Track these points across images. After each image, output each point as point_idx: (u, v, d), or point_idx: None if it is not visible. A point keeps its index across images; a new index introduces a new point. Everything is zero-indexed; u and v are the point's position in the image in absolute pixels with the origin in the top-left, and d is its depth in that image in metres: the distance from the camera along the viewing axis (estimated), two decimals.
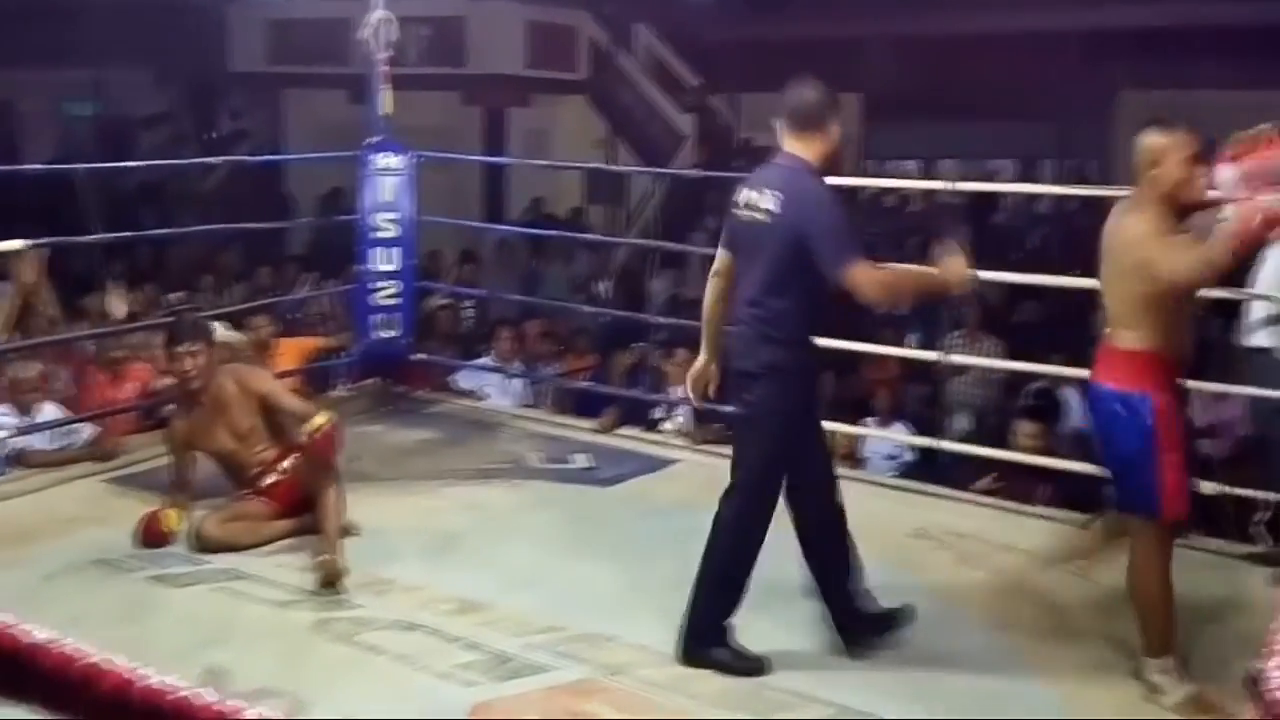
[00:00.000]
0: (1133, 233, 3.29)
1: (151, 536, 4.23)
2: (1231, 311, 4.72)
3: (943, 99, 14.63)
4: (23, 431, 5.07)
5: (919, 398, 6.81)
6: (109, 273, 7.36)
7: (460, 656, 3.46)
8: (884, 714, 3.21)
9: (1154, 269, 3.22)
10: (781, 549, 4.39)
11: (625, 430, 5.85)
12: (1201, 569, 4.14)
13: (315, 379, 6.48)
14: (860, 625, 3.60)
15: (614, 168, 13.05)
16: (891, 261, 3.87)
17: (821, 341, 5.74)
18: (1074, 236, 11.65)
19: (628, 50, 14.97)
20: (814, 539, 3.61)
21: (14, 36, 12.22)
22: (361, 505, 4.44)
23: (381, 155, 6.05)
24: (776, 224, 3.38)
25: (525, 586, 3.98)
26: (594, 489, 5.09)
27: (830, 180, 3.56)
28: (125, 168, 7.56)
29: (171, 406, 4.85)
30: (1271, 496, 4.40)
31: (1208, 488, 4.47)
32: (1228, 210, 3.29)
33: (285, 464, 4.43)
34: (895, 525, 4.58)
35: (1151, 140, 3.32)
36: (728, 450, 5.54)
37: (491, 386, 6.77)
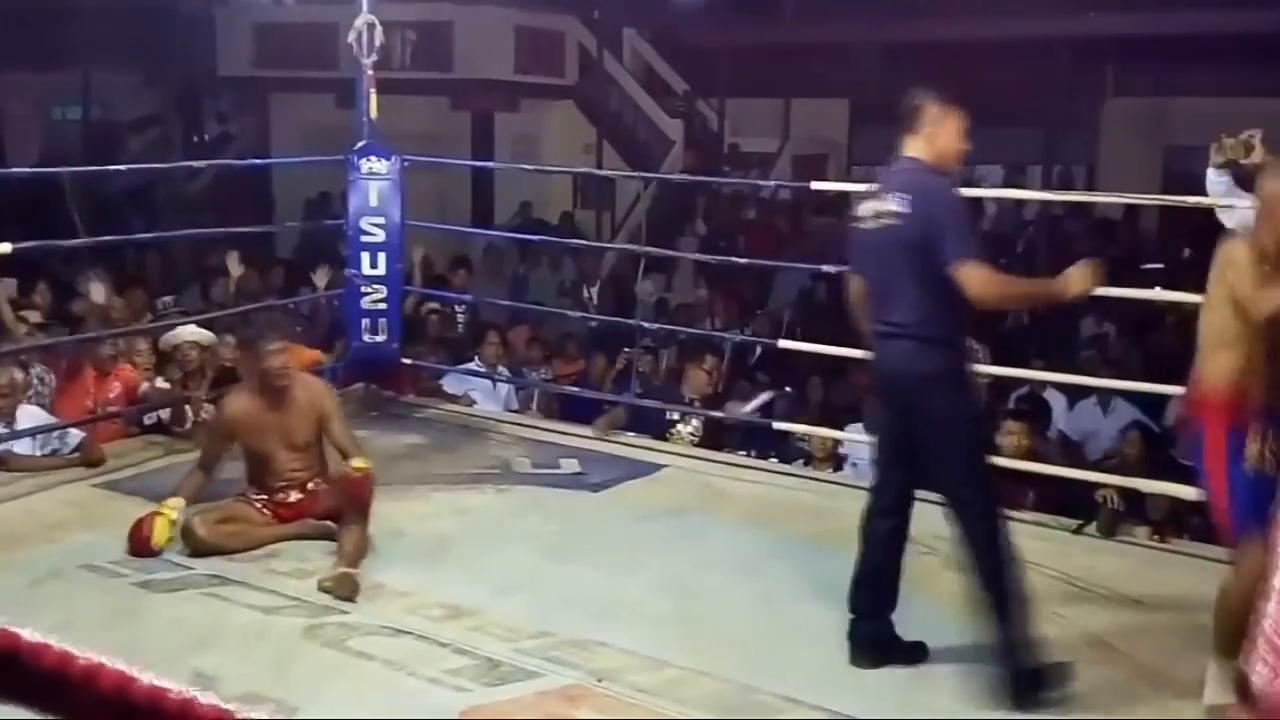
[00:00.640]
0: (1232, 260, 3.22)
1: (138, 545, 4.19)
2: None
3: None
4: (4, 437, 5.04)
5: None
6: (92, 266, 7.34)
7: (450, 662, 3.45)
8: (870, 718, 3.21)
9: (1242, 300, 3.15)
10: (767, 553, 4.41)
11: (618, 435, 5.84)
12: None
13: None
14: (889, 650, 3.55)
15: (603, 172, 13.07)
16: None
17: (809, 346, 5.81)
18: (1060, 241, 11.70)
19: (616, 56, 14.99)
20: (879, 551, 3.54)
21: (2, 39, 12.19)
22: None
23: (368, 160, 6.04)
24: (908, 224, 3.33)
25: (515, 591, 3.98)
26: (583, 494, 5.09)
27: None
28: (112, 171, 7.51)
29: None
30: None
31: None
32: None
33: (310, 486, 4.43)
34: None
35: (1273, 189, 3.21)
36: (732, 457, 5.59)
37: (479, 391, 6.77)
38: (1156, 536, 4.58)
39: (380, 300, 6.12)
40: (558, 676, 3.40)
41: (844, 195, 13.54)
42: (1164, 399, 5.56)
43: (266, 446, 4.39)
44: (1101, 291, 4.63)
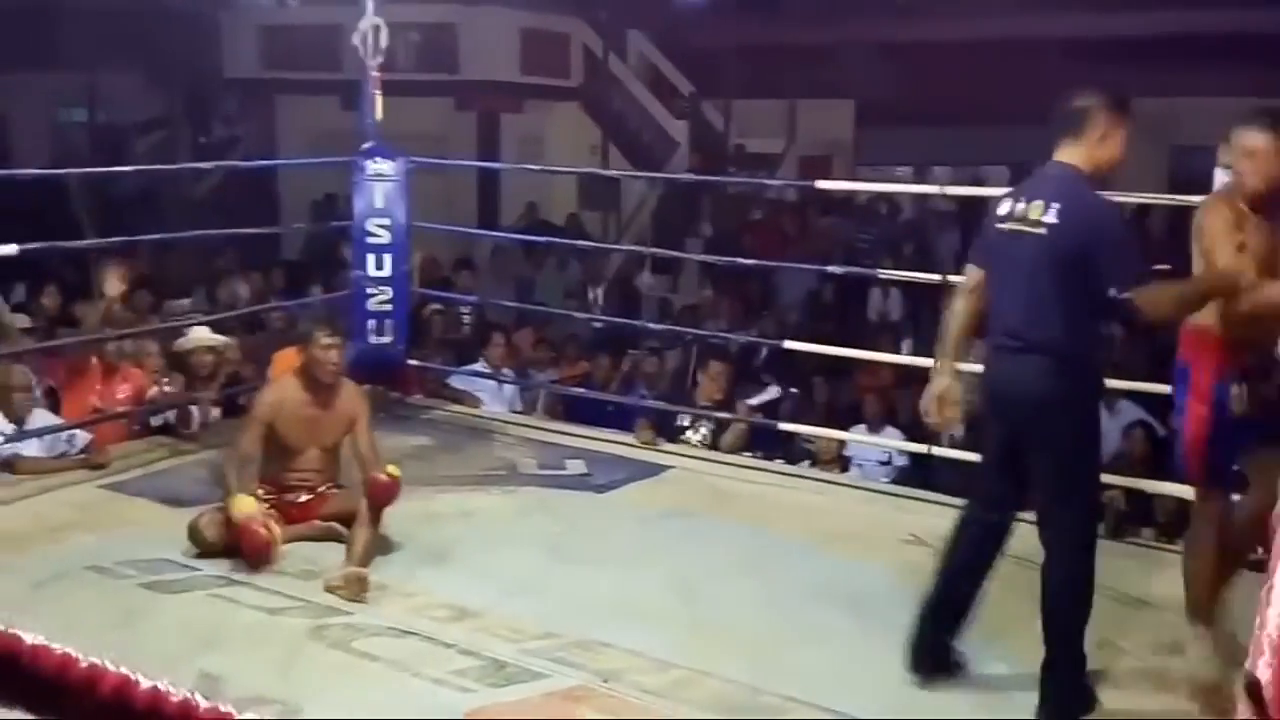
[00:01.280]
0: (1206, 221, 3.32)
1: (263, 553, 4.06)
2: None
3: (935, 105, 14.66)
4: (13, 439, 5.05)
5: (912, 403, 6.82)
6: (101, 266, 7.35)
7: (455, 663, 3.45)
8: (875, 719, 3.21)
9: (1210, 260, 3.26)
10: (773, 555, 4.41)
11: (617, 437, 5.84)
12: None
13: None
14: (943, 663, 3.46)
15: (609, 172, 13.06)
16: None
17: (813, 347, 5.81)
18: None
19: (621, 57, 14.99)
20: (968, 562, 3.41)
21: (7, 42, 12.22)
22: None
23: (374, 161, 6.04)
24: (1058, 237, 3.12)
25: (520, 593, 3.98)
26: (589, 495, 5.09)
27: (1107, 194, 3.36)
28: (118, 173, 7.52)
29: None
30: None
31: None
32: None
33: (321, 489, 4.42)
34: (888, 531, 4.58)
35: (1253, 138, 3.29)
36: (738, 458, 5.59)
37: (484, 393, 6.77)
38: (1163, 538, 4.57)
39: (386, 302, 6.12)
40: (563, 677, 3.40)
41: (850, 196, 13.58)
42: (1170, 399, 5.53)
43: (296, 441, 4.38)
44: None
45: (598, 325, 8.65)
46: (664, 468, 5.45)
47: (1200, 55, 13.26)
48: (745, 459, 5.68)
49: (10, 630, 0.81)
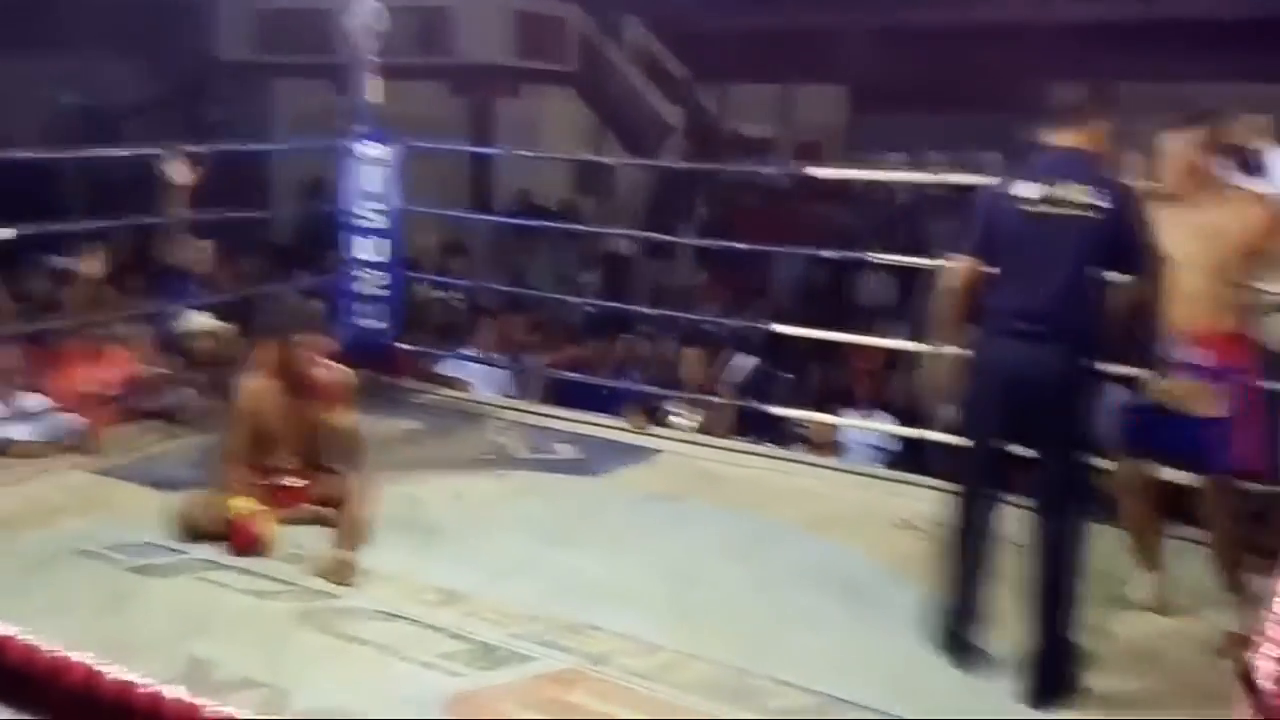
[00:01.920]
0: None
1: (252, 547, 4.07)
2: None
3: (930, 91, 14.63)
4: (4, 420, 5.04)
5: (904, 387, 6.82)
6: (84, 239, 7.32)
7: (444, 646, 3.46)
8: (869, 704, 3.21)
9: None
10: (763, 538, 4.41)
11: (608, 421, 5.84)
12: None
13: None
14: (973, 648, 3.46)
15: (603, 159, 13.05)
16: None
17: (805, 331, 5.80)
18: None
19: (617, 41, 14.95)
20: (978, 545, 3.42)
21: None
22: None
23: (368, 145, 6.03)
24: (1107, 220, 3.14)
25: (510, 576, 3.98)
26: (580, 479, 5.09)
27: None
28: (109, 156, 7.49)
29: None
30: None
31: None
32: None
33: (309, 475, 4.40)
34: (880, 516, 4.58)
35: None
36: (728, 442, 5.58)
37: (476, 377, 6.76)
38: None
39: (380, 286, 6.11)
40: (552, 660, 3.40)
41: (844, 182, 13.57)
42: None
43: (277, 429, 4.36)
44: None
45: (590, 310, 8.63)
46: (655, 451, 5.45)
47: (1196, 40, 13.25)
48: (736, 443, 5.67)
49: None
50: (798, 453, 5.76)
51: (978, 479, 3.44)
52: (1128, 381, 3.89)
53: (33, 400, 5.25)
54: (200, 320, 5.86)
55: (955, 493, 3.49)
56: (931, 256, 5.34)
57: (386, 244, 6.11)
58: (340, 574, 3.87)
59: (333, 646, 3.46)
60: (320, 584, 3.85)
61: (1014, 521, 3.44)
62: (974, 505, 3.42)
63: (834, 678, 3.33)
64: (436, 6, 13.08)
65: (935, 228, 11.67)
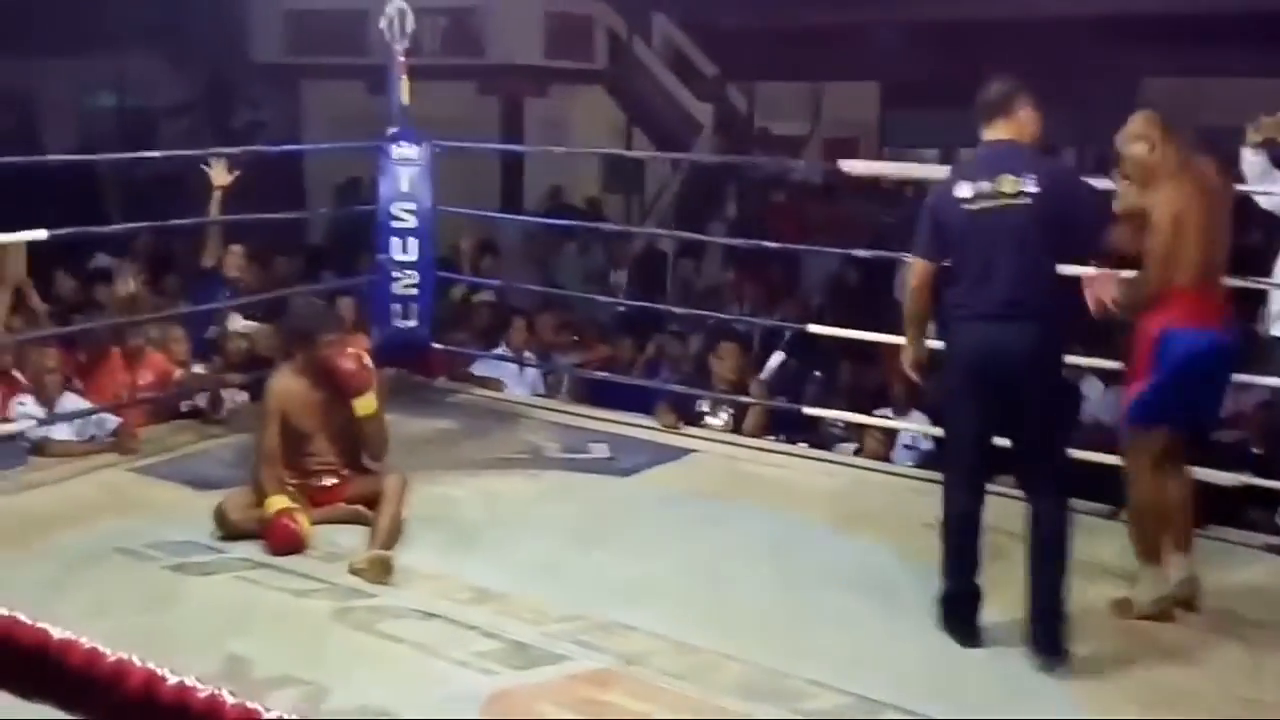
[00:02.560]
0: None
1: (291, 543, 4.10)
2: (1256, 301, 4.70)
3: (961, 86, 14.53)
4: (45, 421, 5.10)
5: (938, 387, 6.78)
6: (123, 253, 7.42)
7: (478, 645, 3.48)
8: (901, 704, 3.21)
9: None
10: (795, 538, 4.41)
11: (640, 420, 5.84)
12: (1223, 558, 4.13)
13: None
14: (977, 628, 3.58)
15: (633, 154, 13.03)
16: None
17: (839, 331, 5.79)
18: None
19: (645, 39, 14.94)
20: (976, 528, 3.55)
21: (35, 26, 12.28)
22: None
23: (399, 146, 6.06)
24: (1042, 203, 3.36)
25: (544, 576, 4.00)
26: (612, 478, 5.10)
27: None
28: (144, 158, 7.57)
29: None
30: None
31: (1230, 478, 4.46)
32: None
33: (345, 472, 4.45)
34: (912, 515, 4.56)
35: None
36: (761, 441, 5.58)
37: (507, 377, 6.78)
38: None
39: (411, 285, 6.14)
40: (586, 660, 3.41)
41: (875, 179, 13.52)
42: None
43: (308, 427, 4.40)
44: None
45: (621, 309, 8.64)
46: (687, 451, 5.46)
47: (1227, 34, 13.11)
48: (769, 442, 5.67)
49: (39, 625, 0.81)
50: (830, 452, 5.74)
51: (965, 464, 3.57)
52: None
53: (70, 400, 5.30)
54: (236, 321, 5.92)
55: (946, 480, 3.63)
56: None
57: (418, 244, 6.13)
58: (377, 572, 3.90)
59: (370, 645, 3.49)
60: (357, 582, 3.88)
61: (1001, 506, 3.60)
62: (965, 490, 3.54)
63: (867, 678, 3.33)
64: (465, 7, 13.12)
65: None
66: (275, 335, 6.02)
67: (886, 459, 5.70)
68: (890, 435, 5.87)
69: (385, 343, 6.20)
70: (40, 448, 5.05)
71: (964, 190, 3.47)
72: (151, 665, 0.80)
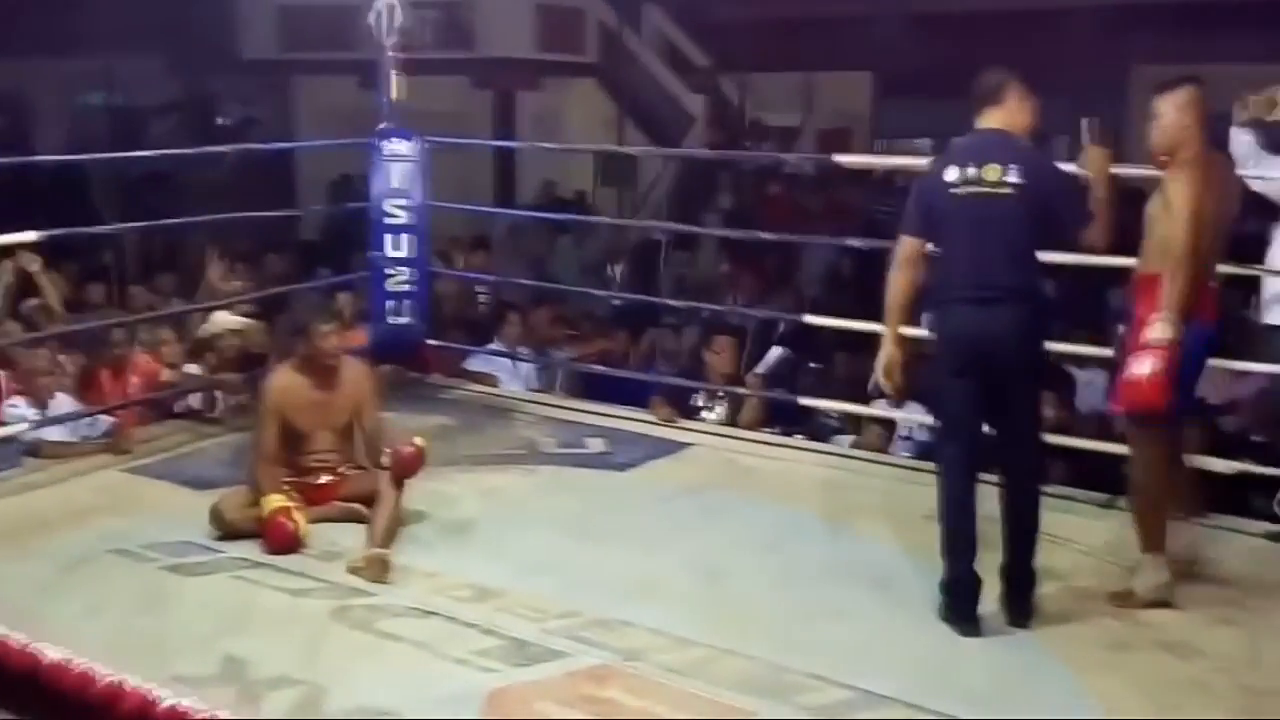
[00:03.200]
0: None
1: (287, 542, 4.09)
2: (1249, 289, 4.69)
3: (955, 76, 14.51)
4: (40, 424, 5.08)
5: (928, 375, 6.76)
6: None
7: (477, 642, 3.46)
8: (901, 698, 3.20)
9: None
10: (794, 531, 4.40)
11: (637, 414, 5.83)
12: (1224, 545, 4.13)
13: None
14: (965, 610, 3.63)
15: (626, 149, 13.00)
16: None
17: (834, 321, 5.77)
18: None
19: (637, 32, 14.90)
20: (972, 509, 3.61)
21: (24, 26, 12.23)
22: None
23: (391, 141, 6.04)
24: (1025, 193, 3.47)
25: (542, 572, 3.98)
26: (609, 473, 5.09)
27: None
28: (135, 157, 7.55)
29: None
30: None
31: (1227, 466, 4.46)
32: None
33: (341, 470, 4.44)
34: (910, 507, 4.54)
35: None
36: (758, 434, 5.57)
37: (502, 372, 6.76)
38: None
39: (404, 282, 6.13)
40: (585, 656, 3.40)
41: (868, 169, 13.51)
42: None
43: (305, 425, 4.39)
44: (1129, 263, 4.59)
45: (616, 302, 8.62)
46: (684, 445, 5.45)
47: (1223, 21, 13.11)
48: (766, 435, 5.66)
49: (30, 647, 0.80)
50: (828, 445, 5.73)
51: (959, 448, 3.62)
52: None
53: (64, 401, 5.28)
54: (224, 318, 5.89)
55: (940, 466, 3.68)
56: None
57: (412, 240, 6.11)
58: (375, 571, 3.89)
59: (368, 644, 3.48)
60: (355, 581, 3.87)
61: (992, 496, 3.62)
62: (960, 474, 3.60)
63: (867, 671, 3.32)
64: (456, 1, 13.08)
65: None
66: (272, 334, 6.01)
67: (884, 451, 5.69)
68: (887, 427, 5.85)
69: (380, 339, 6.19)
70: (34, 449, 5.04)
71: (951, 174, 3.57)
72: (145, 686, 0.78)
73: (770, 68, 15.43)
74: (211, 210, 6.18)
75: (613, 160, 13.66)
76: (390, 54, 5.95)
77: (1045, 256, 3.81)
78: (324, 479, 4.41)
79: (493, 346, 6.96)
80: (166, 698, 0.81)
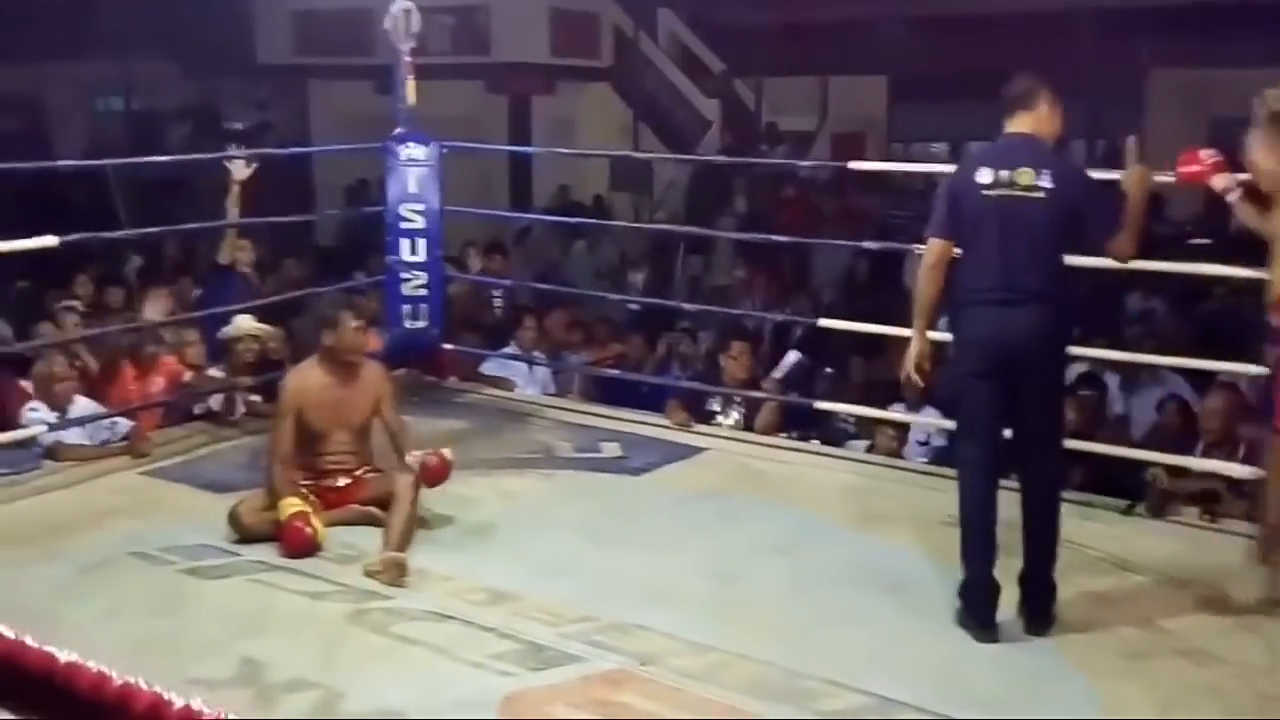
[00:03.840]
0: None
1: (304, 546, 4.09)
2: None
3: (970, 80, 14.48)
4: (57, 426, 5.10)
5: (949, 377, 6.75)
6: (141, 273, 7.43)
7: (493, 646, 3.47)
8: (917, 704, 3.19)
9: None
10: (809, 536, 4.40)
11: (652, 419, 5.82)
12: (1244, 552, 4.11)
13: None
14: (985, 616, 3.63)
15: (641, 154, 13.02)
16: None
17: (851, 325, 5.77)
18: None
19: (652, 36, 14.92)
20: (992, 511, 3.62)
21: (42, 31, 12.31)
22: None
23: (407, 146, 6.05)
24: (1056, 198, 3.50)
25: (558, 576, 3.99)
26: (625, 478, 5.09)
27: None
28: (151, 162, 7.59)
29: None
30: None
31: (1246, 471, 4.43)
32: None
33: (358, 472, 4.45)
34: (928, 512, 4.54)
35: None
36: (774, 439, 5.57)
37: (518, 376, 6.77)
38: (1207, 516, 4.52)
39: (420, 286, 6.15)
40: (601, 660, 3.40)
41: (883, 173, 13.50)
42: (1213, 375, 5.48)
43: (322, 424, 4.39)
44: (1148, 266, 4.61)
45: (632, 307, 8.63)
46: (699, 449, 5.44)
47: (1238, 25, 13.05)
48: (781, 440, 5.66)
49: (46, 647, 0.80)
50: (843, 450, 5.73)
51: (979, 449, 3.62)
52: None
53: (82, 404, 5.31)
54: (244, 323, 5.91)
55: (960, 468, 3.68)
56: None
57: (427, 244, 6.13)
58: (392, 574, 3.89)
59: (385, 647, 3.48)
60: (372, 584, 3.88)
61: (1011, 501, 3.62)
62: (980, 475, 3.60)
63: (883, 677, 3.31)
64: (472, 5, 13.12)
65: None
66: (290, 338, 6.04)
67: (899, 455, 5.68)
68: (903, 431, 5.85)
69: (396, 343, 6.20)
70: (53, 451, 5.06)
71: (984, 176, 3.58)
72: (158, 688, 0.79)
73: (785, 72, 15.43)
74: (238, 207, 6.16)
75: (627, 165, 13.68)
76: (406, 59, 5.96)
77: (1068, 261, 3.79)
78: (341, 482, 4.42)
79: (508, 351, 6.97)
80: (179, 700, 0.81)
